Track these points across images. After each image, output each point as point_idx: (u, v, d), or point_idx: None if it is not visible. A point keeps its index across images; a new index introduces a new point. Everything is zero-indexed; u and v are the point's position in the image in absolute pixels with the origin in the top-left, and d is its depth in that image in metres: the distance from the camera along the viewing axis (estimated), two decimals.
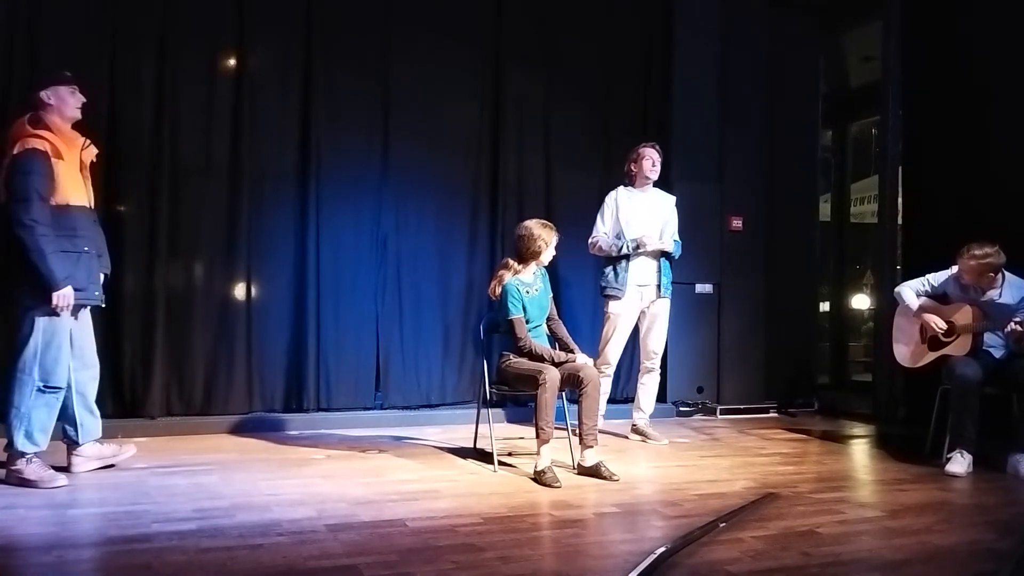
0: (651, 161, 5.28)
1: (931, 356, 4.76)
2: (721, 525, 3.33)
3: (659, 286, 5.26)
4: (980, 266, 4.48)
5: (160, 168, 5.28)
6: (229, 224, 5.48)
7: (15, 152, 3.68)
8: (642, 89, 6.56)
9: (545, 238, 4.44)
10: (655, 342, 5.34)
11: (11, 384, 3.77)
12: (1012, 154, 5.26)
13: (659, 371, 5.45)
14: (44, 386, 3.77)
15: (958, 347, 4.63)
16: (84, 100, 3.91)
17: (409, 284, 5.91)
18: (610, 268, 5.22)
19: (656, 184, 5.39)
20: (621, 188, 5.36)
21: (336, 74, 5.72)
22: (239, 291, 5.54)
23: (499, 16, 6.17)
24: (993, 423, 4.48)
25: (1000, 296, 4.55)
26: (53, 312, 3.75)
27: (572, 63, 6.35)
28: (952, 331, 4.68)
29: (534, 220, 4.56)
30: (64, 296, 3.72)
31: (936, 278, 4.82)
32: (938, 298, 4.83)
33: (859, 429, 6.02)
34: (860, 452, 5.35)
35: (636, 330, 5.40)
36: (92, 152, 3.94)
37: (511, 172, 6.19)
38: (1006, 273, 4.56)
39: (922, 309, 4.78)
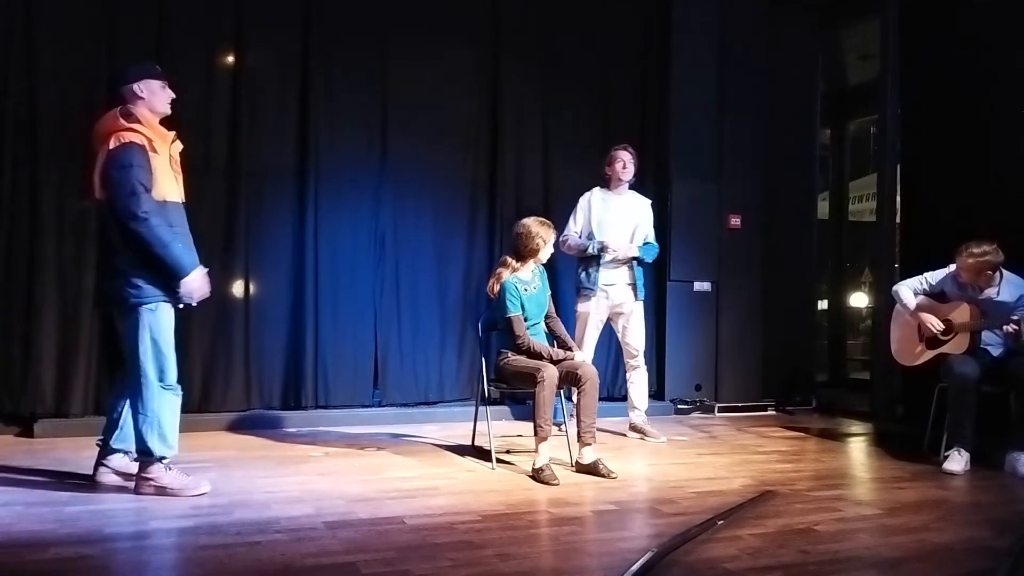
0: (622, 163, 5.31)
1: (929, 354, 4.77)
2: (719, 523, 3.33)
3: (633, 286, 5.29)
4: (978, 264, 4.48)
5: None
6: (227, 222, 5.47)
7: (112, 147, 3.54)
8: (640, 87, 6.55)
9: (543, 236, 4.43)
10: (635, 341, 5.36)
11: (134, 388, 3.63)
12: (1010, 152, 5.26)
13: (645, 367, 5.45)
14: (163, 384, 3.65)
15: (956, 345, 4.63)
16: (174, 96, 3.80)
17: (407, 282, 5.91)
18: (583, 269, 5.25)
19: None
20: (596, 190, 5.42)
21: (334, 73, 5.71)
22: (237, 289, 5.53)
23: (497, 14, 6.17)
24: (990, 421, 4.49)
25: (998, 294, 4.56)
26: (176, 302, 3.65)
27: (570, 62, 6.35)
28: (950, 329, 4.68)
29: (532, 218, 4.56)
30: (193, 281, 3.63)
31: (934, 276, 4.82)
32: (936, 296, 4.83)
33: (857, 427, 6.02)
34: (858, 450, 5.35)
35: (617, 331, 5.43)
36: (179, 146, 3.82)
37: (509, 170, 6.19)
38: (1004, 271, 4.57)
39: (920, 308, 4.78)
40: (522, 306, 4.37)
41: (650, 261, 5.42)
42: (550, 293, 4.66)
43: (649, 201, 5.49)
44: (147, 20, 5.27)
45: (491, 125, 6.16)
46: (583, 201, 5.35)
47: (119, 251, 3.56)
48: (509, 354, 4.40)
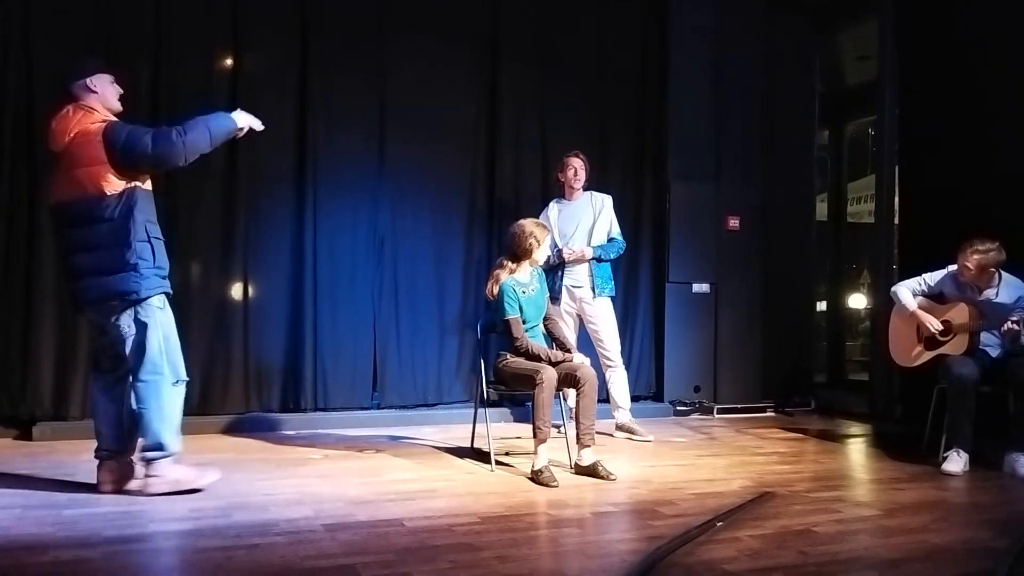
0: (573, 170, 5.42)
1: (928, 355, 4.77)
2: (718, 524, 3.33)
3: (592, 287, 5.31)
4: (984, 260, 4.48)
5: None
6: (226, 224, 5.47)
7: (104, 132, 3.53)
8: (639, 88, 6.56)
9: (537, 235, 4.44)
10: (607, 341, 5.39)
11: (140, 389, 3.57)
12: (1009, 153, 5.27)
13: (622, 366, 5.47)
14: (175, 381, 3.63)
15: (954, 346, 4.63)
16: (122, 91, 3.80)
17: (406, 284, 5.91)
18: (550, 276, 5.28)
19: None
20: (554, 202, 5.56)
21: (332, 74, 5.71)
22: (236, 291, 5.53)
23: (495, 15, 6.17)
24: (989, 422, 4.49)
25: (997, 295, 4.57)
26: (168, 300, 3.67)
27: (569, 63, 6.35)
28: (949, 330, 4.68)
29: (528, 219, 4.57)
30: (242, 116, 3.76)
31: (932, 277, 4.83)
32: (934, 297, 4.83)
33: (856, 428, 6.02)
34: (857, 451, 5.35)
35: (590, 334, 5.45)
36: None
37: (508, 171, 6.19)
38: (1003, 273, 4.58)
39: (918, 309, 4.78)
40: (520, 308, 4.37)
41: (613, 257, 5.45)
42: (549, 295, 4.67)
43: (607, 196, 5.53)
44: (144, 23, 5.27)
45: (489, 126, 6.17)
46: (542, 216, 5.40)
47: (129, 242, 3.52)
48: (508, 356, 4.40)
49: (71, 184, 3.56)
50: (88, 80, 3.65)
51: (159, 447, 3.60)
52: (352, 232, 5.76)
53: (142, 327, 3.58)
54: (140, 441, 3.65)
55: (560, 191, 5.56)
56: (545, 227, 4.56)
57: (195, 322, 5.38)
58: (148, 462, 3.63)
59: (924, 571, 2.89)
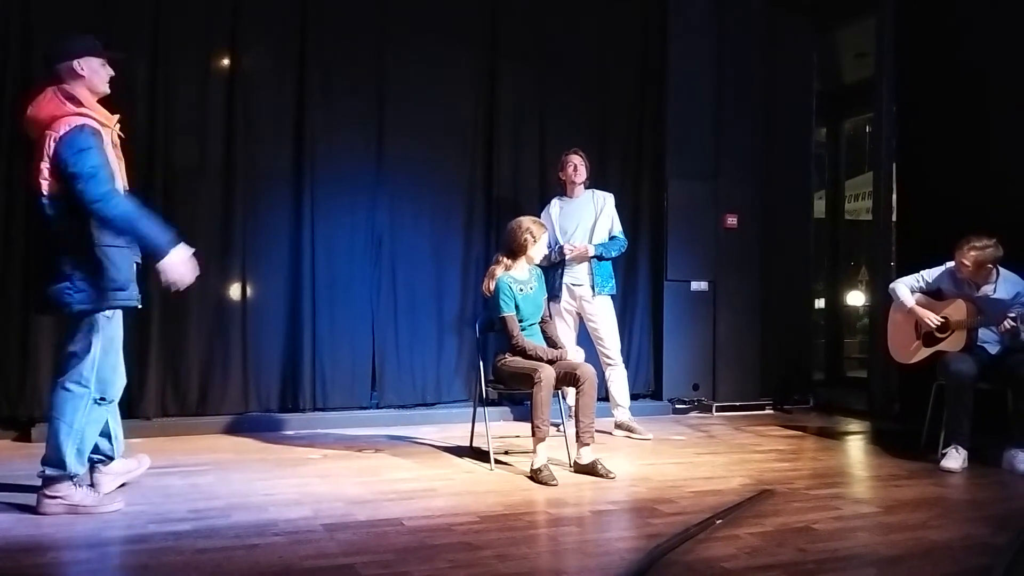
0: (573, 166, 5.42)
1: (926, 352, 4.77)
2: (717, 522, 3.34)
3: (592, 286, 5.32)
4: (981, 256, 4.48)
5: (154, 167, 5.24)
6: (224, 224, 5.46)
7: (63, 132, 3.23)
8: (637, 86, 6.55)
9: (533, 231, 4.44)
10: (607, 339, 5.39)
11: (59, 397, 3.34)
12: (1006, 150, 5.27)
13: (622, 364, 5.48)
14: (100, 398, 3.40)
15: (953, 343, 4.64)
16: (113, 74, 3.49)
17: (404, 283, 5.90)
18: (550, 274, 5.29)
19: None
20: (555, 199, 5.55)
21: (330, 73, 5.70)
22: (234, 291, 5.52)
23: (494, 14, 6.16)
24: (988, 419, 4.50)
25: (995, 292, 4.57)
26: (131, 305, 3.39)
27: (567, 61, 6.34)
28: (947, 327, 4.69)
29: (527, 216, 4.58)
30: (177, 262, 3.28)
31: (930, 274, 4.83)
32: (932, 294, 4.84)
33: (854, 425, 6.03)
34: (855, 448, 5.36)
35: (590, 332, 5.46)
36: (117, 129, 3.50)
37: (506, 171, 6.19)
38: (1001, 269, 4.58)
39: (916, 305, 4.79)
40: (517, 306, 4.37)
41: (615, 255, 5.46)
42: (547, 296, 4.67)
43: (609, 194, 5.53)
44: (143, 21, 5.26)
45: (488, 125, 6.16)
46: (544, 214, 5.41)
47: (69, 250, 3.27)
48: (506, 355, 4.40)
49: (30, 178, 3.35)
50: (76, 62, 3.33)
51: (59, 464, 3.32)
52: (351, 231, 5.75)
53: (78, 336, 3.35)
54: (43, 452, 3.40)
55: (561, 189, 5.56)
56: (542, 225, 4.56)
57: (193, 322, 5.38)
58: (45, 480, 3.36)
59: (923, 567, 2.89)
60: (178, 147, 5.35)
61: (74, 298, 3.28)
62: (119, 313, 3.45)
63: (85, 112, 3.31)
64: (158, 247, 3.29)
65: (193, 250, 3.40)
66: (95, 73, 3.40)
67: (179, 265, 3.32)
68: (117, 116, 3.50)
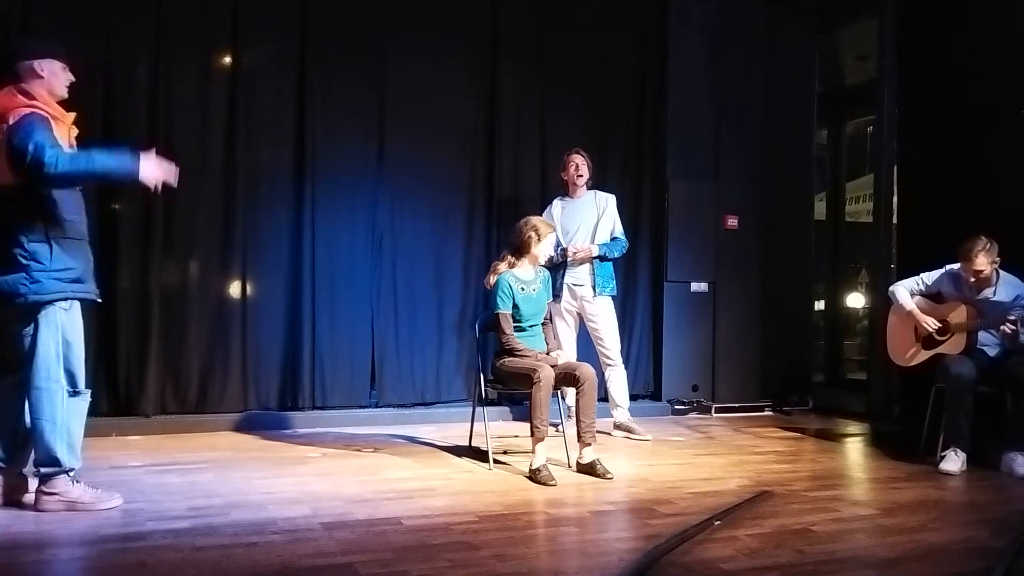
0: (575, 166, 5.42)
1: (925, 355, 4.77)
2: (716, 523, 3.34)
3: (593, 286, 5.32)
4: (992, 263, 4.48)
5: None
6: (224, 222, 5.47)
7: (12, 122, 3.23)
8: (638, 88, 6.56)
9: (539, 230, 4.44)
10: (607, 340, 5.40)
11: (34, 397, 3.33)
12: (1007, 153, 5.26)
13: (622, 365, 5.49)
14: (73, 391, 3.37)
15: (952, 346, 4.64)
16: (73, 79, 3.49)
17: (404, 282, 5.90)
18: (552, 275, 5.27)
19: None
20: (557, 199, 5.55)
21: (331, 72, 5.71)
22: (234, 289, 5.53)
23: (495, 14, 6.16)
24: (987, 421, 4.50)
25: (995, 294, 4.57)
26: (89, 296, 3.37)
27: (568, 62, 6.35)
28: (946, 330, 4.69)
29: (535, 216, 4.59)
30: (150, 166, 3.30)
31: (930, 277, 4.83)
32: (932, 297, 4.84)
33: (854, 427, 6.03)
34: (855, 450, 5.36)
35: (590, 332, 5.47)
36: (74, 130, 3.48)
37: (507, 171, 6.19)
38: (1001, 272, 4.58)
39: (916, 308, 4.79)
40: (517, 306, 4.37)
41: (617, 256, 5.47)
42: (550, 299, 4.67)
43: (611, 196, 5.54)
44: (144, 20, 5.26)
45: (488, 125, 6.16)
46: (545, 214, 5.41)
47: (24, 242, 3.26)
48: (506, 355, 4.40)
49: (6, 168, 3.29)
50: (37, 63, 3.35)
51: (52, 461, 3.32)
52: (351, 231, 5.75)
53: (38, 330, 3.31)
54: (33, 454, 3.39)
55: (563, 190, 5.55)
56: (550, 225, 4.57)
57: (193, 320, 5.39)
58: (42, 478, 3.36)
59: (922, 570, 2.89)
60: (179, 145, 5.34)
61: (29, 288, 3.27)
62: (77, 305, 3.42)
63: (37, 105, 3.31)
64: (126, 170, 3.33)
65: (154, 149, 3.44)
66: (54, 75, 3.42)
67: (154, 169, 3.37)
68: (73, 114, 3.49)
